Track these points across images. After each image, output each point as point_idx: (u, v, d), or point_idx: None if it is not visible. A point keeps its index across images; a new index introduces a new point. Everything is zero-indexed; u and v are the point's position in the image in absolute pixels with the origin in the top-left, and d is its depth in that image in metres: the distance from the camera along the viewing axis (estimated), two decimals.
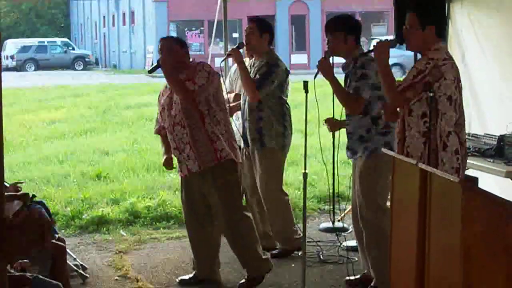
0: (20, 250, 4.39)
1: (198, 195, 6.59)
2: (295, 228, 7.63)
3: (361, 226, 6.32)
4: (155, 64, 6.52)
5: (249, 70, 7.25)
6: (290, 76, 7.49)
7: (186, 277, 6.83)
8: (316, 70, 6.27)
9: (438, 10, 5.72)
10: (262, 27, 7.37)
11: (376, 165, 6.13)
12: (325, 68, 6.22)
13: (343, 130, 6.60)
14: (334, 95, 6.39)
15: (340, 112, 6.67)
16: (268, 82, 7.15)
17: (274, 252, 7.42)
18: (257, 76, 7.15)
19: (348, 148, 6.42)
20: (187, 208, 6.75)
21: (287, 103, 7.41)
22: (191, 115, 6.34)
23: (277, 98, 7.28)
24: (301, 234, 7.40)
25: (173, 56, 6.33)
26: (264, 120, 7.24)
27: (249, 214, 6.66)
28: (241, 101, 7.46)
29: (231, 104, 7.52)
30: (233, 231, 6.56)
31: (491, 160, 6.85)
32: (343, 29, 6.33)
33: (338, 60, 6.53)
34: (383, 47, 5.63)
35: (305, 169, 6.58)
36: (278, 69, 7.23)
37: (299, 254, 7.17)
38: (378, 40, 5.87)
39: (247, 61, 7.46)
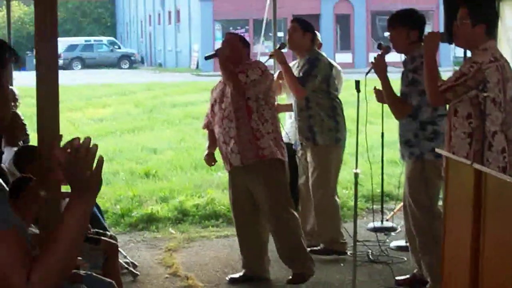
0: None
1: (244, 192, 6.63)
2: (341, 231, 7.56)
3: (412, 229, 6.28)
4: (210, 53, 6.61)
5: (294, 70, 7.26)
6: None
7: (236, 275, 6.85)
8: (366, 68, 6.23)
9: (490, 9, 5.66)
10: (305, 26, 7.38)
11: (423, 170, 6.07)
12: (379, 67, 6.15)
13: (390, 129, 6.58)
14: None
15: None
16: (312, 78, 7.14)
17: (315, 248, 7.39)
18: (300, 74, 7.16)
19: (399, 150, 6.39)
20: (234, 205, 6.79)
21: (338, 98, 7.37)
22: (239, 109, 6.39)
23: (325, 93, 7.25)
24: (346, 239, 7.42)
25: (233, 50, 6.45)
26: (314, 117, 7.22)
27: (295, 213, 6.66)
28: (292, 102, 7.47)
29: (277, 103, 7.52)
30: (280, 229, 6.56)
31: None
32: (406, 24, 6.21)
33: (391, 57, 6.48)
34: (434, 38, 5.60)
35: (356, 168, 6.58)
36: (319, 63, 7.21)
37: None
38: (428, 33, 5.81)
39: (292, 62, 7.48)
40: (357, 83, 6.20)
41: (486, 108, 5.20)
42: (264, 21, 9.48)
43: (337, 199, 7.59)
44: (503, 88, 5.29)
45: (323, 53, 7.45)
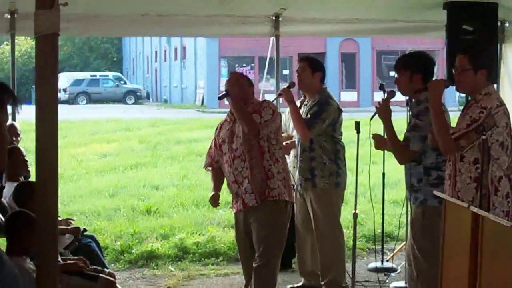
0: None
1: (244, 234, 6.63)
2: (345, 274, 7.48)
3: (414, 271, 6.26)
4: (222, 93, 6.62)
5: (301, 109, 7.27)
6: None
7: None
8: (372, 110, 6.25)
9: (489, 54, 5.73)
10: (314, 65, 7.35)
11: (425, 215, 6.08)
12: (383, 111, 6.17)
13: (393, 169, 6.59)
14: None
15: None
16: (319, 121, 7.11)
17: None
18: (308, 115, 7.12)
19: (406, 193, 6.40)
20: (238, 245, 6.82)
21: (341, 142, 7.35)
22: (252, 149, 6.41)
23: (330, 137, 7.22)
24: (348, 283, 7.38)
25: (241, 89, 6.49)
26: (316, 160, 7.20)
27: (277, 262, 6.59)
28: (295, 141, 7.48)
29: (285, 142, 7.54)
30: (264, 272, 6.53)
31: None
32: (409, 67, 6.23)
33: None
34: (438, 86, 5.64)
35: (355, 209, 6.58)
36: (329, 108, 7.19)
37: None
38: (433, 80, 5.86)
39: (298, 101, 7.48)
40: (357, 124, 6.24)
41: (495, 153, 5.29)
42: (268, 59, 9.53)
43: (342, 241, 7.51)
44: (510, 131, 5.35)
45: (332, 95, 7.45)
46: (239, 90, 6.48)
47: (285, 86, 7.30)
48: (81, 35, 33.79)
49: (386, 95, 6.34)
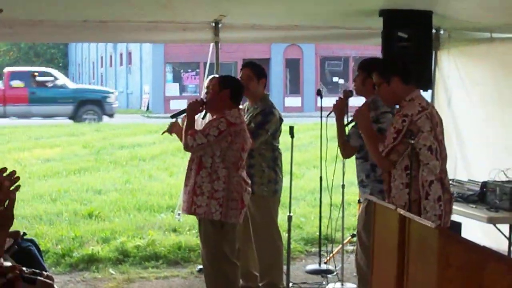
0: None
1: None
2: (282, 276, 7.59)
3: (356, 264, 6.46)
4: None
5: (243, 114, 7.34)
6: (284, 119, 7.53)
7: None
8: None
9: (395, 61, 5.86)
10: (259, 72, 7.39)
11: (367, 211, 6.25)
12: (338, 109, 6.33)
13: (331, 173, 6.74)
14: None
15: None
16: (263, 132, 7.16)
17: None
18: (252, 125, 7.11)
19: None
20: None
21: (279, 149, 7.43)
22: (192, 161, 6.51)
23: (269, 145, 7.29)
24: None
25: (212, 96, 6.59)
26: (255, 167, 7.26)
27: (226, 268, 6.66)
28: None
29: None
30: (206, 279, 6.72)
31: (474, 206, 6.99)
32: (365, 70, 6.41)
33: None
34: (362, 113, 5.81)
35: (289, 212, 6.74)
36: (273, 118, 7.24)
37: None
38: (357, 109, 5.98)
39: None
40: (291, 129, 6.36)
41: (424, 157, 5.42)
42: (207, 65, 9.62)
43: (280, 244, 7.62)
44: (435, 134, 5.49)
45: (274, 104, 7.48)
46: (210, 98, 6.58)
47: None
48: (25, 40, 33.33)
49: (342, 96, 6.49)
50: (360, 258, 6.49)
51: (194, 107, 6.53)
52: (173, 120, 6.77)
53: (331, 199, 7.45)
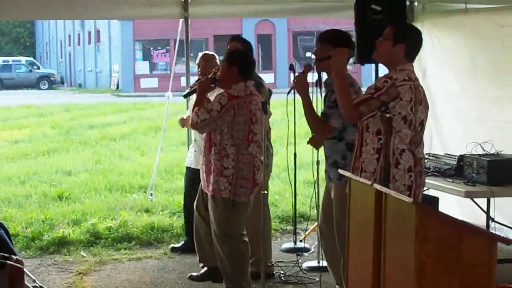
0: None
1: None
2: (270, 253, 7.58)
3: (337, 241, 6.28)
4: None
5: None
6: None
7: None
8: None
9: (413, 33, 5.69)
10: (247, 46, 7.34)
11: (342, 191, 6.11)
12: (300, 85, 6.06)
13: (308, 149, 6.60)
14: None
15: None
16: None
17: None
18: None
19: (325, 171, 6.36)
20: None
21: (268, 122, 7.31)
22: (205, 138, 6.53)
23: None
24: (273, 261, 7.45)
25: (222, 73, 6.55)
26: None
27: (238, 244, 6.63)
28: None
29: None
30: (219, 256, 6.64)
31: (451, 180, 6.91)
32: (326, 42, 6.17)
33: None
34: (341, 55, 5.66)
35: (264, 190, 6.62)
36: (263, 89, 7.17)
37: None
38: (335, 51, 5.82)
39: None
40: (263, 104, 6.22)
41: (397, 125, 5.26)
42: (177, 42, 9.45)
43: (269, 221, 7.58)
44: (415, 108, 5.35)
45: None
46: (221, 74, 6.51)
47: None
48: None
49: (302, 70, 6.25)
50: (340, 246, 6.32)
51: (205, 86, 6.56)
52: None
53: (294, 176, 7.33)
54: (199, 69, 7.87)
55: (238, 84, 6.43)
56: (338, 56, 5.70)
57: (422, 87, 5.47)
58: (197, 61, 7.93)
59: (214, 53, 8.10)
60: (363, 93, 5.50)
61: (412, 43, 5.48)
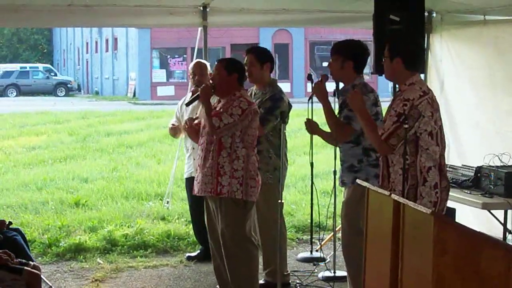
0: None
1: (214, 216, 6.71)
2: (286, 263, 7.58)
3: (343, 252, 6.35)
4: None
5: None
6: None
7: None
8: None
9: (407, 43, 5.74)
10: (262, 56, 7.26)
11: (363, 195, 6.11)
12: (319, 92, 6.22)
13: (324, 159, 6.61)
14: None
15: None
16: (272, 118, 7.04)
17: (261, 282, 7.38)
18: (261, 110, 6.94)
19: (340, 176, 6.42)
20: (208, 227, 6.85)
21: (285, 135, 7.24)
22: (211, 143, 6.46)
23: (277, 131, 7.11)
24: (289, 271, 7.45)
25: (220, 79, 6.53)
26: (262, 154, 7.09)
27: (250, 246, 6.64)
28: None
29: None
30: (230, 260, 6.61)
31: (468, 192, 6.89)
32: (341, 54, 6.31)
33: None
34: (356, 96, 5.68)
35: (280, 199, 6.63)
36: (282, 104, 7.13)
37: None
38: (351, 92, 5.86)
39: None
40: (282, 114, 6.24)
41: (424, 143, 5.33)
42: (195, 50, 9.48)
43: (285, 232, 7.57)
44: (436, 119, 5.40)
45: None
46: (218, 82, 6.50)
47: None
48: (7, 26, 33.14)
49: (319, 79, 6.37)
50: (346, 243, 6.38)
51: (206, 91, 6.54)
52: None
53: (311, 185, 7.34)
54: (196, 77, 7.88)
55: (244, 91, 6.56)
56: (354, 98, 5.72)
57: (433, 92, 5.51)
58: (192, 68, 7.95)
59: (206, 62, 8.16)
60: (383, 114, 5.53)
61: (408, 53, 5.51)
